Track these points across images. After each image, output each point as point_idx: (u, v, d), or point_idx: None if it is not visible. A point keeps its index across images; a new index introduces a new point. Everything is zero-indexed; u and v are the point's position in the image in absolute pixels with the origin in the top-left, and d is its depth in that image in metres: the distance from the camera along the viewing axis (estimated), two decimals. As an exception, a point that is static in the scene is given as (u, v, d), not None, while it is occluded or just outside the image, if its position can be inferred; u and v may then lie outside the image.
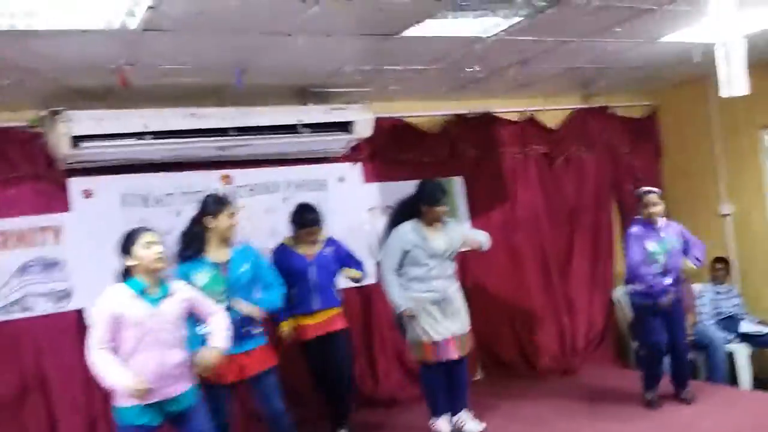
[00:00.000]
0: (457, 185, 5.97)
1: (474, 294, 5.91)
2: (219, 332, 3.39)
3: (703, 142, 6.49)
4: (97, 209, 4.68)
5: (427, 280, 4.42)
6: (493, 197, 6.03)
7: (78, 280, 4.58)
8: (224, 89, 4.55)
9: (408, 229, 4.47)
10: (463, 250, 4.73)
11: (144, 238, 3.25)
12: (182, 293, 3.34)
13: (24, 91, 4.15)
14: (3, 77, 3.83)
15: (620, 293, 6.21)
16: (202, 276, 3.74)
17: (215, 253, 3.84)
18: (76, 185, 4.66)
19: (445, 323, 4.42)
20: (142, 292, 3.19)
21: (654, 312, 4.69)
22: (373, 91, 5.19)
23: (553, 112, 6.51)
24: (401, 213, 4.61)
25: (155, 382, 3.08)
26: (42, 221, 4.56)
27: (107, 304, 3.14)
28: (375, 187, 5.63)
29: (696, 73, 5.61)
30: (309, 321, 4.51)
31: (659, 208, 4.74)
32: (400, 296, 4.39)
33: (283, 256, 4.53)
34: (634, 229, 4.79)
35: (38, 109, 4.39)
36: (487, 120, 6.11)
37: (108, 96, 4.32)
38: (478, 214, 5.99)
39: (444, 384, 4.54)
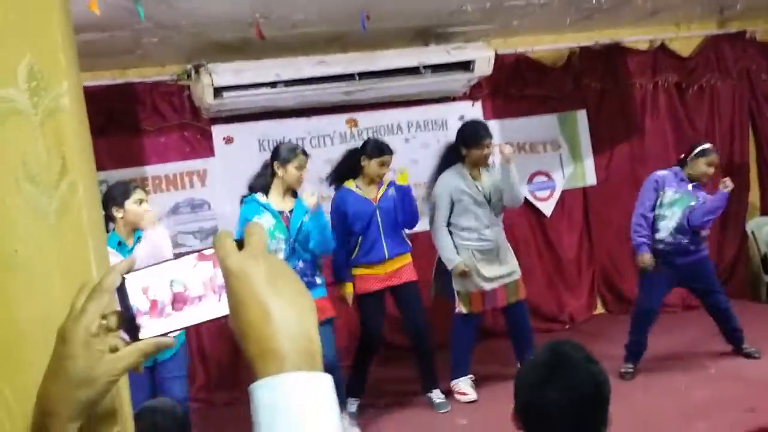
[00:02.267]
0: (580, 119, 5.90)
1: (597, 228, 5.92)
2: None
3: None
4: (237, 154, 5.06)
5: (478, 230, 4.33)
6: (619, 131, 5.91)
7: (222, 219, 5.02)
8: (347, 36, 4.73)
9: (451, 176, 4.36)
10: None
11: (137, 194, 3.37)
12: (152, 236, 3.39)
13: (170, 48, 4.52)
14: (152, 35, 4.20)
15: (754, 225, 5.99)
16: (266, 220, 3.70)
17: (279, 201, 3.81)
18: (218, 132, 5.06)
19: (494, 272, 4.33)
20: (119, 245, 3.33)
21: (660, 274, 4.37)
22: (495, 27, 5.19)
23: (686, 39, 6.21)
24: (445, 160, 4.48)
25: None
26: (189, 166, 5.01)
27: None
28: (496, 123, 5.67)
29: None
30: (378, 271, 4.21)
31: (712, 171, 4.39)
32: (452, 251, 4.29)
33: (344, 201, 4.21)
34: (659, 172, 4.53)
35: (183, 64, 4.79)
36: (615, 51, 5.93)
37: (245, 48, 4.62)
38: (602, 149, 5.91)
39: (474, 340, 4.46)
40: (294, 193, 3.88)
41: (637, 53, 5.99)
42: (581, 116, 5.90)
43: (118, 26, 3.95)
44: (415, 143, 5.53)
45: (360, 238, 4.19)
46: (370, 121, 5.42)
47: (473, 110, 5.67)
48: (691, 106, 6.13)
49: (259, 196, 3.82)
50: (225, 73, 4.49)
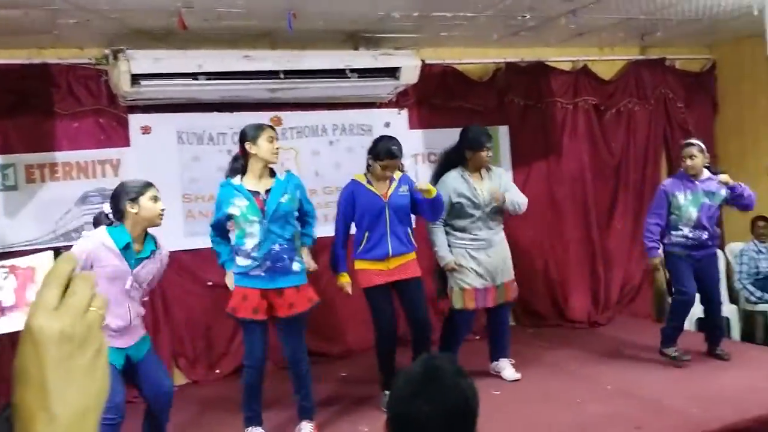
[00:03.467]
0: (502, 134, 6.02)
1: (511, 243, 6.03)
2: None
3: (759, 99, 6.34)
4: (154, 145, 4.95)
5: (472, 230, 4.50)
6: (539, 148, 6.07)
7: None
8: (277, 33, 4.69)
9: (454, 177, 4.49)
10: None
11: (152, 191, 3.29)
12: (162, 258, 3.41)
13: (89, 31, 4.38)
14: (70, 17, 4.07)
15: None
16: (240, 203, 3.66)
17: (254, 182, 3.72)
18: (135, 121, 4.93)
19: (487, 272, 4.51)
20: (125, 248, 3.23)
21: (686, 262, 4.75)
22: (423, 37, 5.25)
23: (608, 63, 6.43)
24: (447, 161, 4.64)
25: (122, 331, 3.24)
26: (103, 154, 4.86)
27: (85, 247, 3.18)
28: (420, 133, 5.74)
29: (756, 27, 5.44)
30: (380, 267, 4.21)
31: (695, 161, 4.69)
32: (446, 249, 4.47)
33: (354, 194, 4.22)
34: (666, 182, 4.91)
35: (102, 48, 4.65)
36: (539, 69, 6.09)
37: (167, 37, 4.52)
38: (521, 165, 6.05)
39: (464, 336, 4.68)
40: (272, 173, 3.79)
41: (560, 73, 6.16)
42: (503, 131, 6.02)
43: (33, 4, 3.81)
44: (339, 146, 5.52)
45: (367, 233, 4.19)
46: (294, 121, 5.38)
47: (399, 118, 5.71)
48: (608, 129, 6.35)
49: (234, 179, 3.75)
50: (144, 60, 4.38)
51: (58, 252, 0.76)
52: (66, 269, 0.67)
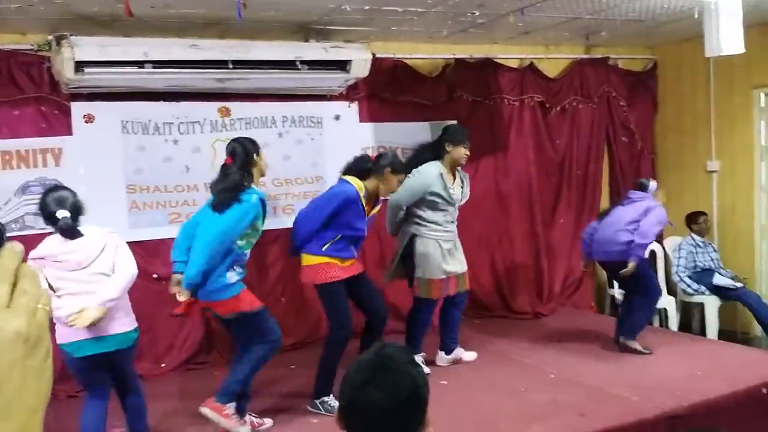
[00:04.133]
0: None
1: (459, 235, 6.12)
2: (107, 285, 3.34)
3: (698, 98, 6.57)
4: (97, 134, 4.83)
5: (444, 224, 4.68)
6: (486, 143, 6.14)
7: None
8: (226, 22, 4.63)
9: (433, 173, 4.58)
10: None
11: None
12: (108, 248, 3.37)
13: (32, 16, 4.25)
14: (12, 1, 3.93)
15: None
16: (259, 225, 3.83)
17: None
18: (78, 110, 4.80)
19: (450, 263, 4.68)
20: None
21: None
22: (374, 31, 5.26)
23: (554, 61, 6.57)
24: (424, 152, 4.74)
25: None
26: (44, 143, 4.72)
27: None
28: (370, 126, 5.75)
29: (696, 29, 5.62)
30: (341, 263, 4.25)
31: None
32: (391, 227, 4.73)
33: (354, 198, 4.18)
34: None
35: (45, 34, 4.51)
36: (487, 66, 6.17)
37: (113, 24, 4.42)
38: (469, 159, 6.07)
39: (429, 324, 4.85)
40: None
41: (507, 70, 6.26)
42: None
43: (-29, -14, 3.68)
44: (288, 138, 5.49)
45: (339, 237, 4.17)
46: (243, 112, 5.33)
47: (349, 111, 5.71)
48: (553, 126, 6.48)
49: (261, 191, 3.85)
50: (88, 47, 4.27)
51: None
52: (13, 264, 0.66)
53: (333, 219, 4.15)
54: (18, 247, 0.68)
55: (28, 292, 0.65)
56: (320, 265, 4.17)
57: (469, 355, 4.93)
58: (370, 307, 4.37)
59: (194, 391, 4.20)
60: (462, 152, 4.68)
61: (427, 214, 4.62)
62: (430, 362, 4.77)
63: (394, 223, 4.73)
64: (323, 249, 4.16)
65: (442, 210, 4.64)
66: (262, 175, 3.92)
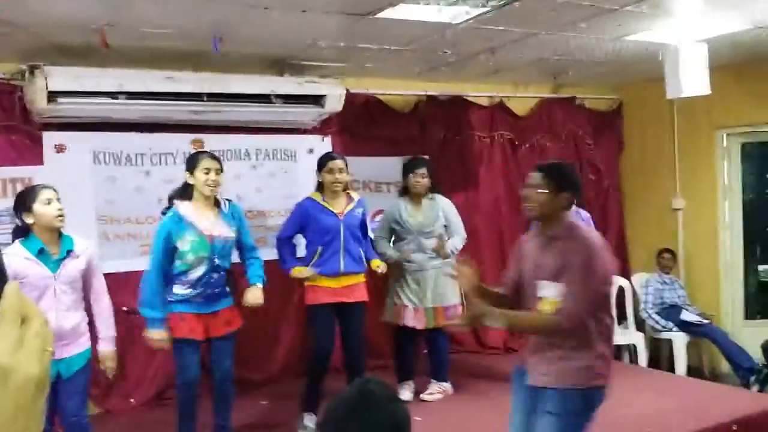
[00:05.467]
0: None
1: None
2: (106, 324, 3.50)
3: (662, 138, 6.75)
4: (68, 164, 4.77)
5: (405, 252, 4.77)
6: (457, 179, 6.22)
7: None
8: (202, 55, 4.65)
9: (394, 204, 4.91)
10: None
11: (43, 194, 3.24)
12: (86, 257, 3.37)
13: (5, 45, 4.22)
14: (-16, 29, 3.91)
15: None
16: (187, 240, 3.70)
17: (201, 212, 3.77)
18: (49, 139, 4.75)
19: (416, 293, 4.72)
20: (40, 253, 3.19)
21: None
22: (348, 66, 5.33)
23: (522, 99, 6.71)
24: (400, 192, 5.04)
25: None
26: (14, 172, 4.65)
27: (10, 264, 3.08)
28: (344, 160, 5.78)
29: (660, 71, 5.81)
30: (331, 284, 4.28)
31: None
32: (389, 248, 4.85)
33: (311, 211, 4.32)
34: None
35: (18, 63, 4.48)
36: (458, 103, 6.28)
37: (88, 55, 4.40)
38: (440, 194, 6.17)
39: (410, 352, 4.88)
40: (216, 203, 3.85)
41: (477, 107, 6.38)
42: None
43: (-55, 14, 3.65)
44: (262, 171, 5.50)
45: (320, 249, 4.26)
46: (216, 144, 5.31)
47: (323, 145, 5.73)
48: (522, 163, 6.57)
49: (181, 208, 3.74)
50: (62, 77, 4.26)
51: None
52: (19, 303, 0.66)
53: (298, 229, 4.34)
54: (17, 284, 0.68)
55: (40, 335, 0.66)
56: (307, 287, 4.35)
57: (428, 396, 4.86)
58: (344, 343, 4.41)
59: (162, 426, 4.11)
60: (412, 181, 4.83)
61: (395, 243, 4.90)
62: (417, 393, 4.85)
63: (378, 252, 4.79)
64: (311, 265, 4.30)
65: (403, 238, 4.82)
66: (205, 193, 3.76)
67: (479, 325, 2.89)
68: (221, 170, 3.84)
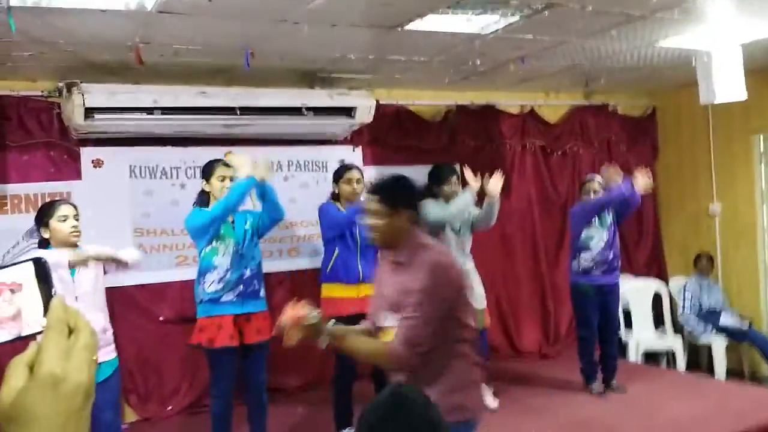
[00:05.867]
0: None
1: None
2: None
3: (698, 143, 6.66)
4: (106, 178, 4.89)
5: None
6: (490, 187, 6.20)
7: (84, 246, 4.80)
8: (233, 70, 4.73)
9: (431, 204, 4.68)
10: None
11: (60, 211, 3.37)
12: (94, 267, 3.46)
13: (43, 63, 4.35)
14: (24, 49, 4.03)
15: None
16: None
17: None
18: (87, 155, 4.87)
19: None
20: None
21: (590, 298, 5.01)
22: (377, 78, 5.36)
23: (553, 107, 6.67)
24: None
25: None
26: (53, 187, 4.77)
27: None
28: (374, 170, 5.81)
29: (694, 76, 5.73)
30: (351, 294, 4.20)
31: (598, 195, 5.06)
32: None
33: (328, 211, 4.39)
34: (577, 208, 5.20)
35: (55, 81, 4.61)
36: (488, 112, 6.27)
37: (122, 71, 4.51)
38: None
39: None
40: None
41: (508, 116, 6.36)
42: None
43: (-12, 36, 3.77)
44: (294, 182, 5.56)
45: (337, 250, 4.26)
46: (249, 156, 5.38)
47: (353, 155, 5.78)
48: (555, 170, 6.55)
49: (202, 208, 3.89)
50: (98, 94, 4.36)
51: (38, 262, 0.78)
52: (65, 314, 0.71)
53: (325, 239, 4.33)
54: (62, 297, 0.72)
55: (89, 347, 0.70)
56: (325, 299, 4.24)
57: (489, 402, 4.73)
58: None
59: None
60: (448, 190, 4.80)
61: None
62: None
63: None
64: (326, 275, 4.30)
65: (446, 240, 4.71)
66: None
67: (311, 340, 2.54)
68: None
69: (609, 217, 5.05)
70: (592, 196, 5.03)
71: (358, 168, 4.51)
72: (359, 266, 4.26)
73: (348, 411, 4.24)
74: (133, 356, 4.96)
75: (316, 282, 5.43)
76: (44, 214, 3.39)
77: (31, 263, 0.77)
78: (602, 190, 5.05)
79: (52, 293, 0.74)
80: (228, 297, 3.78)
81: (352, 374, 4.25)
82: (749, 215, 6.29)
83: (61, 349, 0.68)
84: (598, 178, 5.14)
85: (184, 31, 3.89)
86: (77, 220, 3.41)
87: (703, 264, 6.27)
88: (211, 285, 3.78)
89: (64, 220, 3.35)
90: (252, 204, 4.24)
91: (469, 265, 4.80)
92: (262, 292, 3.94)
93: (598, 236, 4.97)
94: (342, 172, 4.44)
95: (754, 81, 4.97)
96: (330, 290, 4.28)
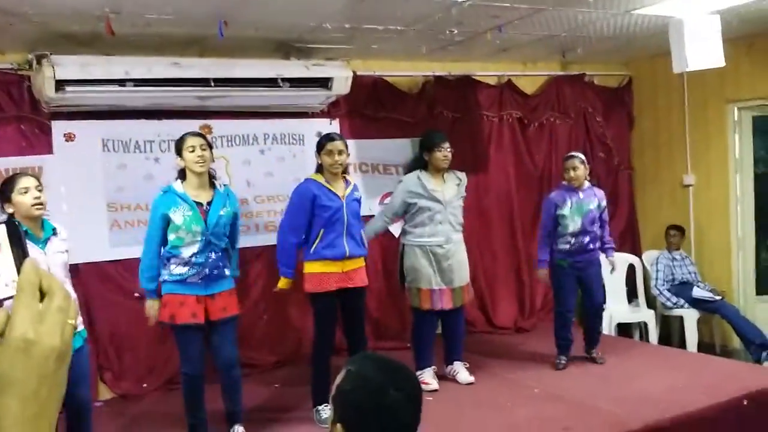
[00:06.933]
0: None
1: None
2: None
3: (673, 113, 6.69)
4: (78, 153, 4.80)
5: (430, 225, 4.61)
6: (467, 159, 6.17)
7: (57, 221, 4.72)
8: (207, 40, 4.65)
9: (411, 178, 4.66)
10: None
11: (21, 183, 3.32)
12: (64, 241, 3.45)
13: (11, 35, 4.23)
14: (-10, 20, 3.92)
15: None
16: (180, 213, 3.72)
17: (196, 192, 3.79)
18: (58, 128, 4.77)
19: (443, 273, 4.61)
20: (26, 234, 3.27)
21: (568, 276, 5.03)
22: (354, 48, 5.30)
23: (530, 77, 6.66)
24: (409, 167, 4.87)
25: None
26: (24, 162, 4.67)
27: None
28: (352, 143, 5.74)
29: (669, 45, 5.76)
30: (334, 268, 4.19)
31: (578, 173, 4.99)
32: (368, 232, 4.61)
33: (316, 192, 4.18)
34: (552, 194, 5.15)
35: (25, 53, 4.50)
36: (466, 83, 6.24)
37: (93, 43, 4.41)
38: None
39: (434, 335, 4.77)
40: (212, 183, 3.86)
41: (486, 87, 6.33)
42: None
43: (-49, 6, 3.65)
44: (270, 156, 5.50)
45: (322, 232, 4.16)
46: (225, 129, 5.33)
47: (331, 128, 5.71)
48: (532, 141, 6.56)
49: (176, 185, 3.78)
50: (69, 66, 4.26)
51: (12, 224, 0.75)
52: (36, 279, 0.69)
53: (310, 217, 4.17)
54: (34, 260, 0.70)
55: (63, 309, 0.68)
56: (307, 275, 4.21)
57: (464, 377, 4.80)
58: (347, 328, 4.37)
59: (176, 413, 4.16)
60: (438, 155, 4.67)
61: (412, 220, 4.67)
62: (440, 376, 4.79)
63: (372, 229, 4.78)
64: (310, 254, 4.18)
65: (428, 209, 4.60)
66: (195, 170, 3.77)
67: None
68: (207, 145, 3.83)
69: (589, 206, 4.98)
70: (572, 174, 4.97)
71: (341, 138, 4.33)
72: (346, 245, 4.19)
73: (326, 387, 4.21)
74: (107, 333, 4.92)
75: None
76: (5, 188, 3.34)
77: (3, 226, 0.75)
78: (583, 166, 5.00)
79: (25, 256, 0.73)
80: (193, 279, 3.75)
81: (330, 349, 4.24)
82: (723, 186, 6.34)
83: (33, 313, 0.67)
84: (580, 156, 5.08)
85: (154, 0, 3.80)
86: (40, 191, 3.35)
87: (672, 237, 6.33)
88: (176, 268, 3.74)
89: (25, 192, 3.29)
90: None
91: (455, 237, 4.72)
92: (227, 271, 3.88)
93: (572, 224, 4.94)
94: (324, 142, 4.25)
95: (730, 49, 4.98)
96: (313, 267, 4.18)
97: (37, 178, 3.43)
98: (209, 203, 3.79)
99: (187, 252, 3.72)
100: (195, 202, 3.75)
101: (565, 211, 4.96)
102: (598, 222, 5.04)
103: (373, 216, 5.18)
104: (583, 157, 5.10)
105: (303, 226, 4.18)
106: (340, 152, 4.20)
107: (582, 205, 4.97)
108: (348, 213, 4.21)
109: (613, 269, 5.25)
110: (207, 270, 3.74)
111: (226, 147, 5.30)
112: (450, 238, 4.67)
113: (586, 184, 5.07)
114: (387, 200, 5.32)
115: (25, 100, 4.64)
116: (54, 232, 3.42)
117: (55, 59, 4.26)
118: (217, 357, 3.87)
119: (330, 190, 4.20)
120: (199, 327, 3.76)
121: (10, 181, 3.37)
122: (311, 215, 4.16)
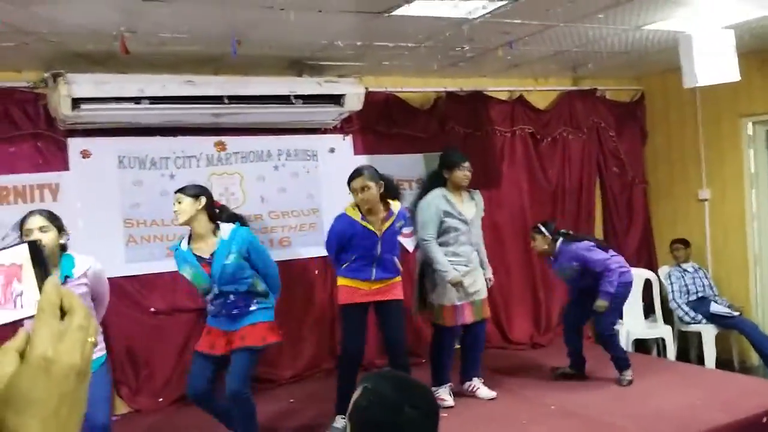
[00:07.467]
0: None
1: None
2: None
3: (686, 128, 6.66)
4: (94, 169, 4.86)
5: (454, 245, 4.63)
6: (479, 175, 6.15)
7: (73, 237, 4.77)
8: (221, 58, 4.70)
9: (438, 197, 4.64)
10: None
11: (25, 225, 3.29)
12: (86, 278, 3.35)
13: (28, 54, 4.31)
14: (8, 40, 3.99)
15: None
16: (187, 271, 3.75)
17: (198, 245, 3.76)
18: (74, 145, 4.84)
19: (465, 289, 4.61)
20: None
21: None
22: (366, 65, 5.34)
23: (542, 93, 6.67)
24: (428, 184, 4.85)
25: None
26: (41, 179, 4.74)
27: None
28: (364, 159, 5.79)
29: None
30: (364, 286, 4.28)
31: (535, 244, 5.16)
32: (448, 264, 4.53)
33: (348, 230, 4.26)
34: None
35: (41, 71, 4.57)
36: (477, 98, 6.26)
37: (108, 61, 4.48)
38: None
39: (453, 351, 4.76)
40: (216, 229, 3.77)
41: (497, 102, 6.35)
42: (445, 158, 6.14)
43: (-30, 26, 3.73)
44: (284, 171, 5.54)
45: (354, 256, 4.26)
46: (239, 146, 5.38)
47: (344, 144, 5.78)
48: (545, 156, 6.55)
49: (183, 243, 3.81)
50: (85, 84, 4.33)
51: (33, 244, 0.77)
52: (58, 297, 0.70)
53: (342, 246, 4.30)
54: (56, 279, 0.72)
55: (83, 328, 0.69)
56: (339, 287, 4.36)
57: (485, 393, 4.78)
58: (386, 340, 4.43)
59: (191, 427, 4.17)
60: (459, 174, 4.70)
61: (439, 238, 4.63)
62: (456, 393, 4.75)
63: (442, 259, 4.57)
64: (341, 270, 4.33)
65: (455, 229, 4.63)
66: (196, 227, 3.78)
67: None
68: (180, 200, 3.72)
69: (575, 274, 4.99)
70: (532, 244, 5.21)
71: (367, 171, 4.27)
72: (373, 271, 4.27)
73: (347, 399, 4.20)
74: (124, 348, 4.95)
75: (307, 271, 5.47)
76: (20, 227, 3.36)
77: (26, 246, 0.76)
78: (540, 236, 5.08)
79: (47, 276, 0.74)
80: (219, 315, 3.80)
81: (355, 362, 4.24)
82: (738, 201, 6.30)
83: (54, 332, 0.67)
84: (538, 227, 5.12)
85: (169, 20, 3.86)
86: (44, 231, 3.26)
87: (676, 250, 6.30)
88: (207, 305, 3.86)
89: (28, 236, 3.28)
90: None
91: (474, 257, 4.76)
92: (253, 307, 3.78)
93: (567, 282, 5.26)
94: (349, 180, 4.28)
95: (743, 64, 4.96)
96: (344, 281, 4.34)
97: (47, 215, 3.35)
98: (213, 254, 3.71)
99: (207, 297, 3.82)
100: (197, 256, 3.72)
101: (558, 274, 5.26)
102: (583, 273, 4.96)
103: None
104: (541, 227, 5.13)
105: (334, 252, 4.41)
106: (362, 189, 4.19)
107: (563, 268, 5.06)
108: (382, 247, 4.27)
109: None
110: (225, 311, 3.77)
111: (240, 163, 5.34)
112: (470, 258, 4.72)
113: (558, 249, 5.02)
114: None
115: (41, 117, 4.71)
116: (66, 279, 3.26)
117: (70, 77, 4.33)
118: (226, 384, 3.79)
119: (365, 227, 4.23)
120: (212, 357, 3.77)
121: (22, 221, 3.35)
122: (342, 249, 4.34)
